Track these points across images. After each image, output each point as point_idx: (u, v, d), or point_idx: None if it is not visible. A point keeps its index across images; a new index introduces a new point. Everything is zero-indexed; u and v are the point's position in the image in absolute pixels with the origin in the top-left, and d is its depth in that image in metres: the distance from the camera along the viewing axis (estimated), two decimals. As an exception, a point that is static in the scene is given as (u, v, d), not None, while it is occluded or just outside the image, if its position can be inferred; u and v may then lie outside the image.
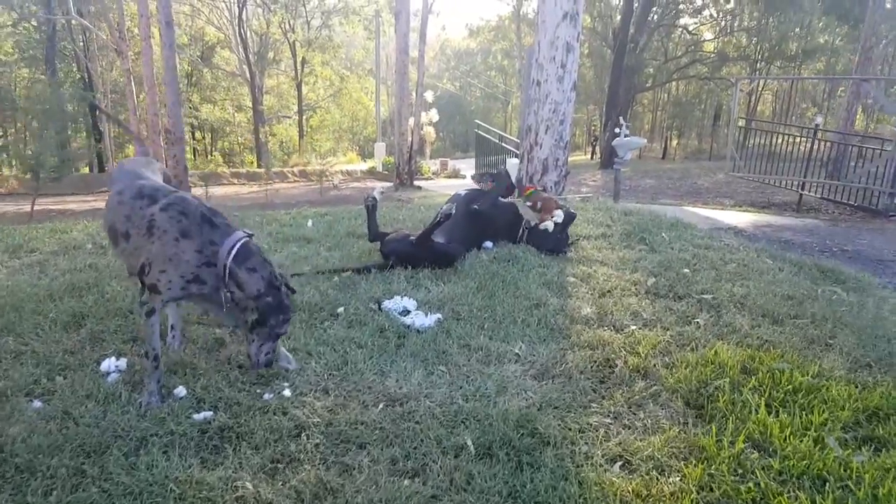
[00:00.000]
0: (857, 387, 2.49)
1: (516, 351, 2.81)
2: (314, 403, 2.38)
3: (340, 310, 3.20)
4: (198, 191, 13.78)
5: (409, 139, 16.01)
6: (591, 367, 2.67)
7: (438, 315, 3.15)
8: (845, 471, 1.94)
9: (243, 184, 18.16)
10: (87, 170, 21.31)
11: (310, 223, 5.22)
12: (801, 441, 2.08)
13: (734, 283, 3.79)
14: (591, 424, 2.25)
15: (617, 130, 9.12)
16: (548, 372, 2.64)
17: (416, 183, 16.43)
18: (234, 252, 2.25)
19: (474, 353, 2.80)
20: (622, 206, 6.68)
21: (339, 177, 21.10)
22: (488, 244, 4.37)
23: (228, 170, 20.72)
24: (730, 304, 3.40)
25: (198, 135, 29.43)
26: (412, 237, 3.92)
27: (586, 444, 2.14)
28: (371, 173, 21.04)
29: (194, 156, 27.63)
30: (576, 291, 3.55)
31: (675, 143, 33.95)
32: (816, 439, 2.10)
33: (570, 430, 2.21)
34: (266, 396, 2.43)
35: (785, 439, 2.10)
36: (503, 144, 11.48)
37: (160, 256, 2.23)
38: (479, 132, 13.21)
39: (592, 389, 2.50)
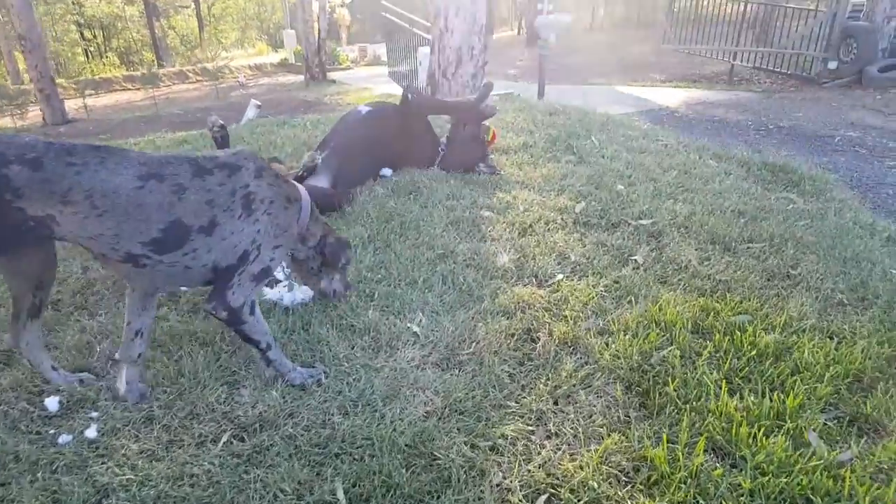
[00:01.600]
0: (832, 339, 2.05)
1: (414, 328, 2.21)
2: (128, 447, 1.73)
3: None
4: (74, 102, 12.03)
5: (317, 25, 14.36)
6: (508, 343, 2.11)
7: (314, 284, 2.48)
8: (834, 482, 1.51)
9: (137, 89, 16.06)
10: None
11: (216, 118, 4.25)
12: (774, 441, 1.62)
13: (676, 198, 3.28)
14: (506, 437, 1.72)
15: (539, 7, 8.19)
16: (453, 356, 2.07)
17: (331, 76, 15.01)
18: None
19: (360, 337, 2.18)
20: (547, 103, 5.97)
21: (248, 72, 19.23)
22: (386, 171, 3.63)
23: (121, 74, 18.42)
24: (672, 230, 2.89)
25: (87, 33, 25.87)
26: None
27: (501, 471, 1.61)
28: (283, 65, 19.27)
29: (87, 58, 24.44)
30: (491, 231, 2.93)
31: (601, 10, 32.42)
32: (794, 435, 1.65)
33: (479, 450, 1.67)
34: (62, 440, 1.76)
35: (754, 439, 1.64)
36: (414, 30, 10.21)
37: (270, 232, 1.83)
38: (388, 15, 11.70)
39: (509, 377, 1.96)
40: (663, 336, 2.09)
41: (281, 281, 2.52)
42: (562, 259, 2.66)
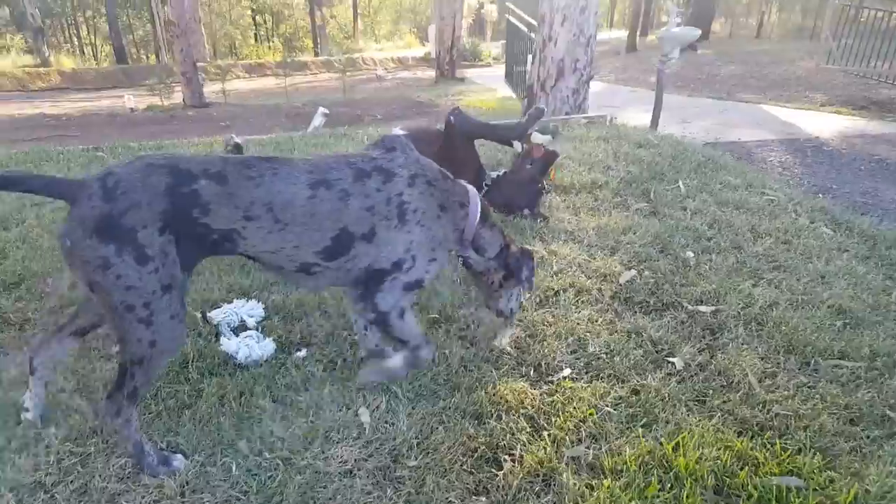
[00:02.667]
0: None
1: (363, 418, 1.86)
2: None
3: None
4: (214, 86, 12.85)
5: (454, 21, 14.31)
6: (465, 462, 1.70)
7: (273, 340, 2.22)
8: None
9: (287, 75, 16.84)
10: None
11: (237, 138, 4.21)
12: None
13: (759, 278, 2.63)
14: None
15: (667, 18, 7.41)
16: (395, 465, 1.70)
17: (465, 73, 14.97)
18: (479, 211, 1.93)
19: (301, 416, 1.87)
20: (640, 131, 5.28)
21: (390, 65, 19.83)
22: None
23: (273, 59, 19.73)
24: (738, 325, 2.28)
25: (259, 18, 28.26)
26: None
27: None
28: (425, 60, 19.66)
29: (256, 41, 26.56)
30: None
31: (773, 17, 29.30)
32: None
33: None
34: None
35: None
36: (532, 34, 9.72)
37: (426, 243, 1.80)
38: (511, 18, 11.28)
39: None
40: (669, 492, 1.57)
41: (248, 330, 2.27)
42: (578, 347, 2.17)
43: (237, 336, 2.25)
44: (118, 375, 1.55)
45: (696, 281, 2.58)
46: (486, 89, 12.37)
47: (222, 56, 24.62)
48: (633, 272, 2.64)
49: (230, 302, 2.46)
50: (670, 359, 2.10)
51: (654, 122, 5.92)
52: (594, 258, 2.78)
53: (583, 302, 2.43)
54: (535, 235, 3.01)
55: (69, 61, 20.68)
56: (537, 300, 2.45)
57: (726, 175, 3.96)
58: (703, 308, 2.39)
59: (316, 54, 21.35)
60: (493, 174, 3.41)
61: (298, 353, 2.17)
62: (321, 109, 5.29)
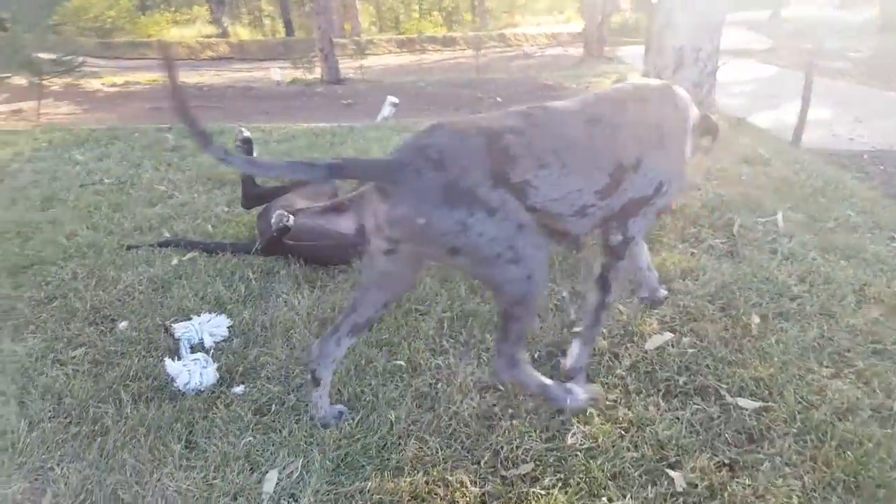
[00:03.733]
0: None
1: (266, 487, 1.60)
2: None
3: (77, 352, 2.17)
4: (350, 62, 13.06)
5: None
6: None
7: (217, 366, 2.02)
8: None
9: (436, 50, 16.53)
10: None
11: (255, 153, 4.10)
12: None
13: (845, 365, 1.99)
14: None
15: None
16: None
17: (621, 51, 14.09)
18: None
19: (203, 470, 1.65)
20: (751, 144, 4.42)
21: (543, 41, 19.26)
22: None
23: (421, 34, 19.81)
24: (787, 436, 1.70)
25: None
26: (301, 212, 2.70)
27: None
28: (582, 36, 18.87)
29: (419, 15, 26.87)
30: (484, 338, 2.09)
31: None
32: None
33: None
34: None
35: None
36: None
37: (679, 165, 1.86)
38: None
39: None
40: None
41: (194, 354, 2.09)
42: (556, 434, 1.73)
43: (190, 355, 2.09)
44: (500, 328, 1.64)
45: (751, 359, 2.00)
46: (633, 69, 11.37)
47: (386, 29, 24.98)
48: (669, 336, 2.11)
49: (199, 314, 2.30)
50: (672, 472, 1.60)
51: (797, 135, 4.90)
52: (626, 308, 2.27)
53: (609, 378, 1.96)
54: (562, 269, 2.53)
55: (244, 32, 22.22)
56: (532, 356, 2.02)
57: (848, 209, 3.15)
58: (745, 402, 1.82)
59: (474, 29, 21.10)
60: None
61: (236, 389, 1.95)
62: (389, 99, 5.05)
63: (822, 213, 3.07)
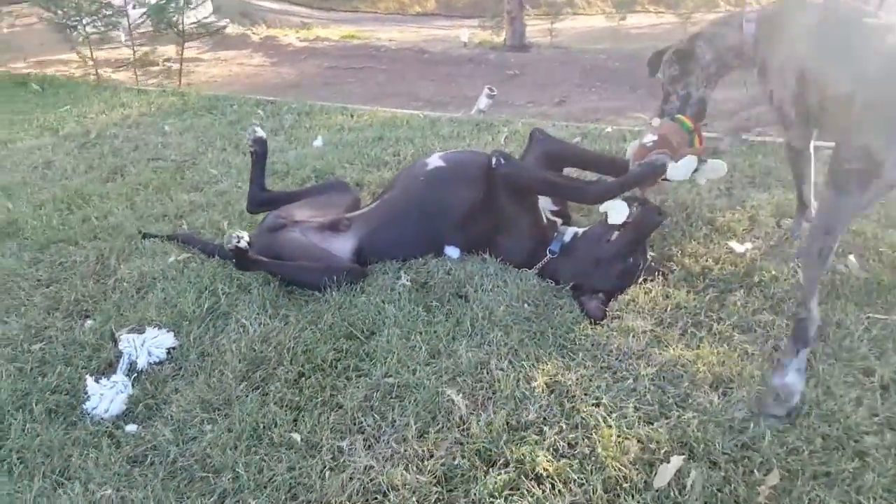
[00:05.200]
0: None
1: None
2: None
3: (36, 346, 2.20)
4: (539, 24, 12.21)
5: None
6: None
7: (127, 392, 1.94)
8: None
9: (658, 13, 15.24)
10: None
11: (319, 141, 3.97)
12: None
13: None
14: None
15: None
16: None
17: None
18: None
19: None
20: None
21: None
22: (452, 251, 2.57)
23: None
24: None
25: None
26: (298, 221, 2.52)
27: None
28: None
29: None
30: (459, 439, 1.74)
31: None
32: None
33: None
34: None
35: None
36: None
37: None
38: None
39: None
40: None
41: (117, 376, 2.02)
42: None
43: (114, 377, 2.03)
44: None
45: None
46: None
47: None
48: (681, 461, 1.60)
49: (157, 326, 2.24)
50: None
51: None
52: (624, 419, 1.78)
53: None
54: (554, 342, 2.07)
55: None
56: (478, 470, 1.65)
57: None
58: None
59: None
60: (572, 232, 2.46)
61: (129, 427, 1.86)
62: (486, 89, 4.64)
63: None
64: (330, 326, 2.18)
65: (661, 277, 2.33)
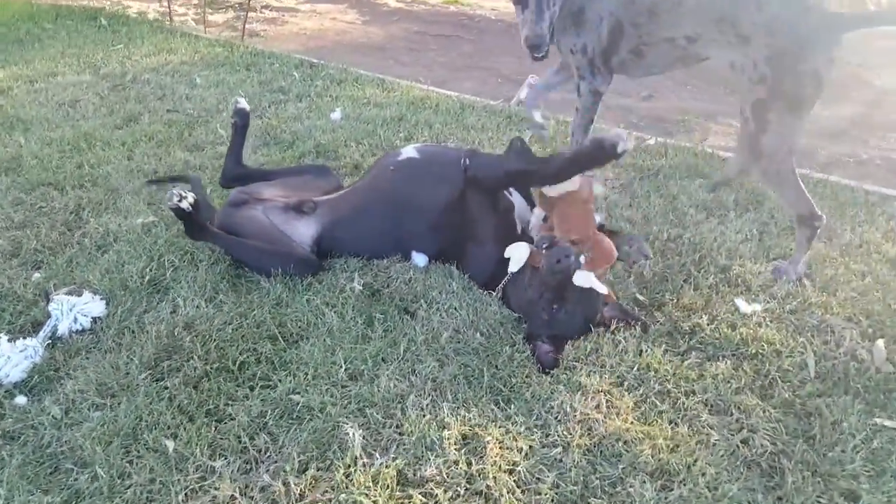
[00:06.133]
0: None
1: None
2: None
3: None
4: None
5: None
6: None
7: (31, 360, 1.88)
8: None
9: None
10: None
11: (337, 114, 3.79)
12: None
13: None
14: None
15: None
16: None
17: None
18: None
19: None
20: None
21: None
22: (419, 258, 2.35)
23: None
24: None
25: None
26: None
27: None
28: None
29: None
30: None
31: None
32: None
33: None
34: None
35: None
36: None
37: None
38: None
39: None
40: None
41: (28, 340, 1.96)
42: None
43: (28, 340, 1.97)
44: None
45: None
46: None
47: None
48: None
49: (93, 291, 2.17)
50: None
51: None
52: (536, 495, 1.55)
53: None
54: (490, 385, 1.83)
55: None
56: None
57: None
58: None
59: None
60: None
61: (18, 399, 1.79)
62: (530, 77, 4.31)
63: None
64: (258, 324, 2.04)
65: (638, 328, 2.04)
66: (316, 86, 4.33)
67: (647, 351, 1.97)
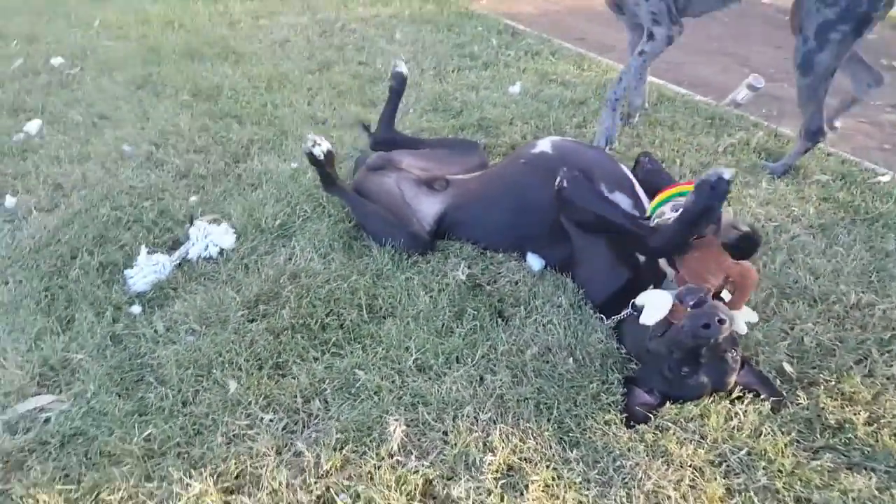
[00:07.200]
0: None
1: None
2: None
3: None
4: None
5: None
6: None
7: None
8: None
9: None
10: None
11: (516, 87, 3.62)
12: None
13: None
14: None
15: None
16: None
17: None
18: None
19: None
20: None
21: None
22: (534, 261, 2.18)
23: None
24: None
25: None
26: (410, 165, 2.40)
27: None
28: None
29: None
30: None
31: None
32: None
33: None
34: None
35: None
36: None
37: None
38: None
39: None
40: None
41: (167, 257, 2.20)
42: None
43: (166, 256, 2.23)
44: None
45: None
46: None
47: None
48: None
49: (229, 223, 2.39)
50: None
51: None
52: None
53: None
54: (559, 419, 1.65)
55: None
56: None
57: None
58: None
59: None
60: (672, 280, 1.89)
61: (134, 308, 2.02)
62: (751, 77, 3.73)
63: None
64: (353, 291, 2.06)
65: (768, 404, 1.70)
66: (508, 55, 4.23)
67: (767, 434, 1.63)
